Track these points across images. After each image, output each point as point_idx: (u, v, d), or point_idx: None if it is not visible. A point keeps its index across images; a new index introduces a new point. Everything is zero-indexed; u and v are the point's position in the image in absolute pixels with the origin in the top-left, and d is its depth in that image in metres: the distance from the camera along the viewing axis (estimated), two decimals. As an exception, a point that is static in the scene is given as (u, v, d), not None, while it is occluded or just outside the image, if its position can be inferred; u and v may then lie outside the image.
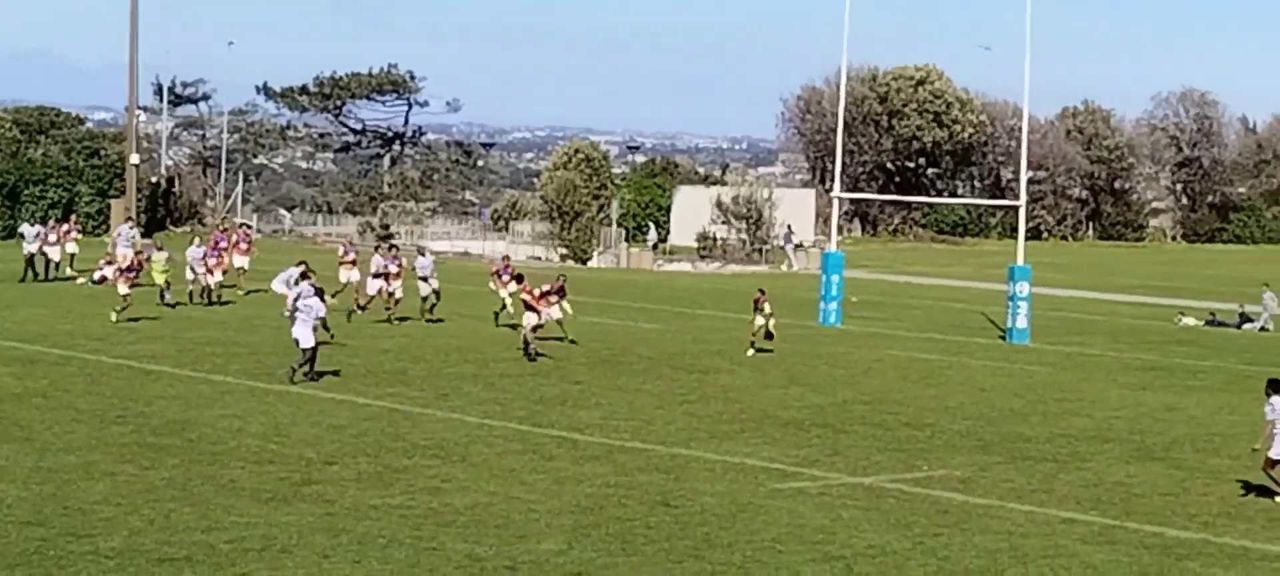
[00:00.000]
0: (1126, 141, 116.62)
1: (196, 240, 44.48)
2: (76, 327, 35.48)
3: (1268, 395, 21.49)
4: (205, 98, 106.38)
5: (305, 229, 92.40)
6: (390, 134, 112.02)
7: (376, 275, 39.16)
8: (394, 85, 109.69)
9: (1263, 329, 50.58)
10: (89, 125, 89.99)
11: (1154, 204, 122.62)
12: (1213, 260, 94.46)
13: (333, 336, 30.83)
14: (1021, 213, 47.78)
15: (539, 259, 73.87)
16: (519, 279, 36.50)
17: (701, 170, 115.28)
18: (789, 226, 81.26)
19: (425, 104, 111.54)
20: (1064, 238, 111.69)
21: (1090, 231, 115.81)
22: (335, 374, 29.28)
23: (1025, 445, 25.17)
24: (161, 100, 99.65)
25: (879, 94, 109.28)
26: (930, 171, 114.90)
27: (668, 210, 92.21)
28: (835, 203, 52.28)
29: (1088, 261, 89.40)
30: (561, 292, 35.83)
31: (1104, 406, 30.04)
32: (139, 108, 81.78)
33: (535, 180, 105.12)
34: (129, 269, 38.71)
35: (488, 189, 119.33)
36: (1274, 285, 53.12)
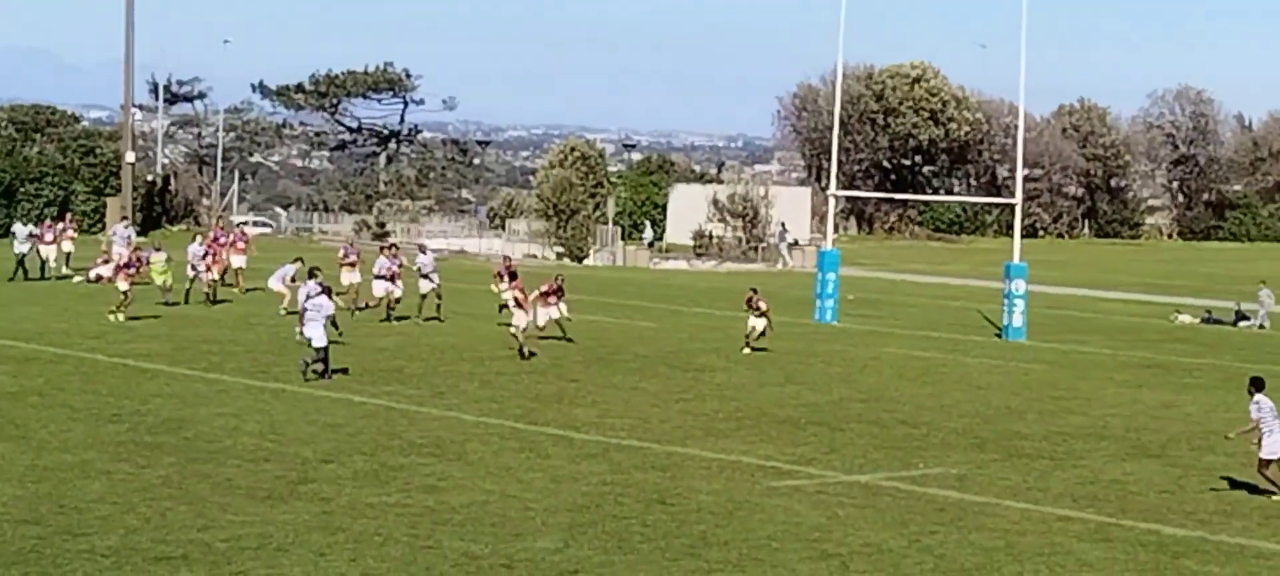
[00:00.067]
0: (1122, 139, 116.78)
1: (198, 238, 44.45)
2: (72, 326, 35.41)
3: (1251, 393, 21.51)
4: (201, 96, 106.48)
5: (303, 227, 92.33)
6: (386, 132, 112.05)
7: (380, 276, 38.80)
8: (390, 83, 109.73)
9: (1259, 326, 50.62)
10: (84, 123, 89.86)
11: (1150, 202, 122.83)
12: (1208, 258, 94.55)
13: (341, 334, 30.79)
14: (1017, 210, 47.85)
15: (535, 257, 73.81)
16: (512, 276, 36.41)
17: (697, 168, 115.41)
18: (783, 224, 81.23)
19: (421, 102, 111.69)
20: (1060, 235, 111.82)
21: (1086, 229, 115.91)
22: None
23: (1021, 443, 25.16)
24: (157, 98, 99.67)
25: (875, 92, 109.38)
26: (926, 169, 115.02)
27: (664, 208, 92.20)
28: (831, 200, 52.31)
29: (1084, 259, 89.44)
30: (560, 293, 35.77)
31: (1100, 404, 30.04)
32: (135, 106, 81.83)
33: (531, 178, 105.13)
34: (127, 265, 38.59)
35: (483, 187, 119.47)
36: (1270, 283, 53.22)
